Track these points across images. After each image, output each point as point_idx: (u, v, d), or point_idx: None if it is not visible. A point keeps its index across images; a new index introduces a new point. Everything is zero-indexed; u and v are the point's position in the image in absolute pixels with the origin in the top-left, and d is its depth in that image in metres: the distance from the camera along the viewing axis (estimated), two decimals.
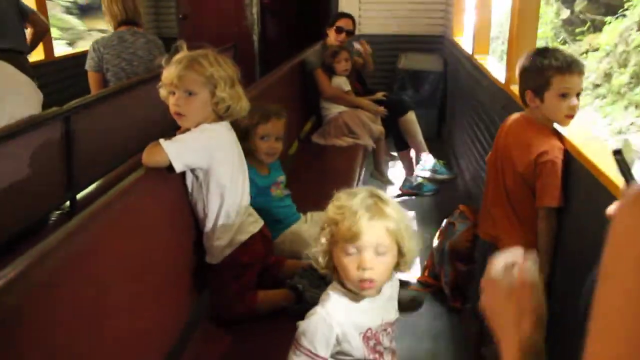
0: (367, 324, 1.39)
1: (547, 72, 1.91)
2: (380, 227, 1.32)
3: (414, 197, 4.32)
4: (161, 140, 1.72)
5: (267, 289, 1.97)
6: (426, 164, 4.32)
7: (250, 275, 1.90)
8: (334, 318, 1.35)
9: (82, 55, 3.61)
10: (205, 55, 1.79)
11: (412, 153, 4.46)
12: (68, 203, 2.60)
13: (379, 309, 1.42)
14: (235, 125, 1.98)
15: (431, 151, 4.50)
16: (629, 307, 0.53)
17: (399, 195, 4.34)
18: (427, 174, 4.30)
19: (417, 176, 4.35)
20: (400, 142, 4.40)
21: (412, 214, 4.06)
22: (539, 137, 1.97)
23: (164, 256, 1.69)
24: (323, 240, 1.37)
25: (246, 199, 1.95)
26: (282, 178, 2.33)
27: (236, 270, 1.87)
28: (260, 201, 2.13)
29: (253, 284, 1.91)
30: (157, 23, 6.10)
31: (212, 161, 1.77)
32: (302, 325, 1.37)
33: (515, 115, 2.15)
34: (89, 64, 3.41)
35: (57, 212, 2.54)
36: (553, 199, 1.91)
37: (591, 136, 2.02)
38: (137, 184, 1.63)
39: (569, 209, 1.91)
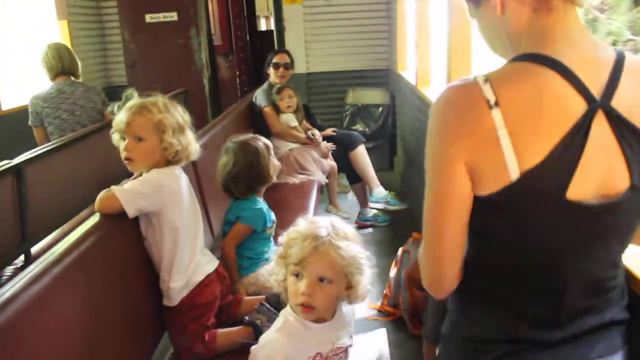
0: (315, 349, 1.45)
1: None
2: (327, 257, 1.39)
3: (370, 229, 4.41)
4: (113, 187, 1.76)
5: (226, 327, 1.99)
6: (378, 196, 4.41)
7: (208, 315, 1.93)
8: (282, 342, 1.41)
9: None
10: (155, 102, 1.85)
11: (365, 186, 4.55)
12: (22, 257, 2.59)
13: (330, 335, 1.48)
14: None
15: (385, 182, 4.60)
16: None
17: (356, 228, 4.40)
18: (380, 206, 4.39)
19: (371, 208, 4.43)
20: (352, 176, 4.50)
21: (368, 244, 4.14)
22: None
23: (122, 301, 1.71)
24: (278, 259, 1.45)
25: (201, 240, 1.99)
26: (274, 218, 2.41)
27: (194, 311, 1.90)
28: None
29: (211, 323, 1.94)
30: (106, 72, 6.11)
31: (163, 205, 1.81)
32: (254, 350, 1.45)
33: None
34: (30, 120, 3.41)
35: (11, 267, 2.52)
36: None
37: None
38: (92, 230, 1.65)
39: None
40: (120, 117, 1.82)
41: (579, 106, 0.92)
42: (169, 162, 1.87)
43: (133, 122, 1.80)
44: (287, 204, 3.40)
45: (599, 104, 0.93)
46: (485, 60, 3.24)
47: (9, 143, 4.01)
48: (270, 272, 1.53)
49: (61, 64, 3.47)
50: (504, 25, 1.03)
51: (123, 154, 1.83)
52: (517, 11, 1.00)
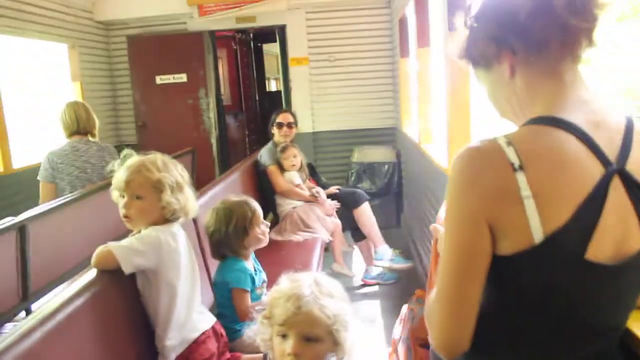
0: None
1: None
2: (312, 316, 1.38)
3: (376, 287, 4.37)
4: (110, 243, 1.78)
5: None
6: (382, 253, 4.39)
7: None
8: None
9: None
10: (154, 160, 1.88)
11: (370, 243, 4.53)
12: (24, 313, 2.59)
13: None
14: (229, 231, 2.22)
15: (391, 240, 4.59)
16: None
17: (362, 286, 4.38)
18: (385, 264, 4.37)
19: (375, 266, 4.41)
20: (357, 233, 4.49)
21: (377, 303, 4.10)
22: None
23: (117, 357, 1.70)
24: (262, 320, 1.44)
25: (198, 298, 1.98)
26: (264, 276, 2.40)
27: None
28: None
29: None
30: (117, 131, 6.25)
31: (160, 262, 1.82)
32: None
33: None
34: (42, 175, 3.46)
35: (12, 323, 2.52)
36: None
37: None
38: (88, 286, 1.66)
39: None
40: (119, 175, 1.85)
41: (597, 169, 0.95)
42: (167, 220, 1.89)
43: (132, 181, 1.82)
44: (290, 262, 3.38)
45: (616, 169, 0.96)
46: (484, 118, 3.30)
47: (18, 200, 4.08)
48: (255, 332, 1.50)
49: (77, 123, 3.55)
50: (514, 89, 1.06)
51: (122, 212, 1.85)
52: (527, 75, 1.04)
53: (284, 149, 4.23)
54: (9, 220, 2.50)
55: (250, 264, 2.34)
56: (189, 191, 1.95)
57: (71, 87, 5.52)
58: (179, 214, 1.90)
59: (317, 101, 6.13)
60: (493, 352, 1.05)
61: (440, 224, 2.20)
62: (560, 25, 0.99)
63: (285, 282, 1.46)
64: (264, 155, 4.33)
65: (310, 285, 1.43)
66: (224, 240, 2.28)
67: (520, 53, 1.04)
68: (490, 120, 3.20)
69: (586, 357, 1.03)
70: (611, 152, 0.97)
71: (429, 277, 2.32)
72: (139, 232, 1.87)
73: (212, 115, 6.13)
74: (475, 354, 1.03)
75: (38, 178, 3.49)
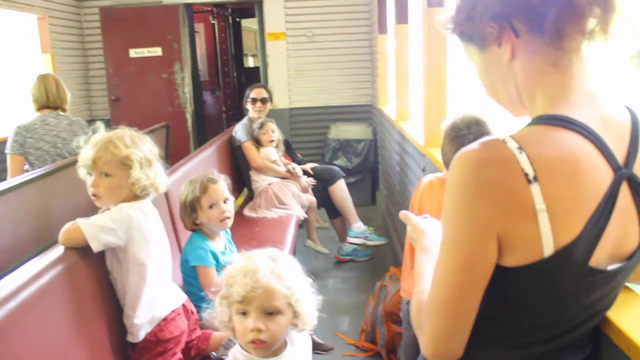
0: None
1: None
2: (269, 290, 1.37)
3: (350, 264, 4.38)
4: (78, 220, 1.74)
5: None
6: (357, 230, 4.39)
7: (174, 350, 1.88)
8: None
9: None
10: (121, 136, 1.83)
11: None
12: None
13: None
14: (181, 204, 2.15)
15: (366, 217, 4.60)
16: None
17: (335, 263, 4.39)
18: (359, 241, 4.38)
19: (350, 243, 4.42)
20: (331, 210, 4.49)
21: (347, 279, 4.11)
22: None
23: (85, 336, 1.66)
24: (220, 300, 1.43)
25: (168, 275, 1.96)
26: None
27: (158, 347, 1.85)
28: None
29: (177, 359, 1.89)
30: (89, 105, 6.12)
31: (129, 240, 1.78)
32: None
33: (428, 178, 2.24)
34: (10, 147, 3.37)
35: None
36: None
37: None
38: (55, 263, 1.62)
39: None
40: (85, 152, 1.79)
41: (607, 175, 0.91)
42: (137, 197, 1.85)
43: (99, 159, 1.77)
44: (264, 238, 3.36)
45: (625, 173, 0.93)
46: (460, 96, 3.29)
47: None
48: (212, 315, 1.48)
49: (46, 97, 3.46)
50: (513, 74, 0.99)
51: (90, 190, 1.80)
52: (530, 61, 0.96)
53: (262, 125, 4.19)
54: None
55: (221, 242, 2.32)
56: (158, 166, 1.90)
57: (41, 59, 5.37)
58: (149, 189, 1.86)
59: (295, 77, 6.08)
60: (486, 355, 1.04)
61: (413, 212, 2.21)
62: (573, 8, 0.91)
63: (239, 260, 1.44)
64: (238, 131, 4.28)
65: (265, 259, 1.41)
66: (181, 210, 2.28)
67: (524, 36, 0.95)
68: (467, 98, 3.21)
69: (569, 341, 1.03)
70: (620, 153, 0.93)
71: (404, 264, 2.34)
72: (108, 209, 1.83)
73: (187, 90, 6.04)
74: (467, 358, 0.99)
75: (6, 151, 3.40)
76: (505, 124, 1.94)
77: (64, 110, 3.54)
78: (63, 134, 3.46)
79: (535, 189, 0.87)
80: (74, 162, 2.86)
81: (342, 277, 4.17)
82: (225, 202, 2.28)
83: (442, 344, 0.95)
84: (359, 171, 5.72)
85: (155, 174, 1.86)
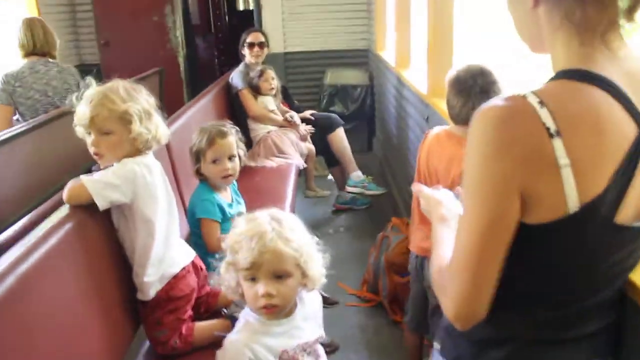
0: (281, 346, 1.41)
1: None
2: (277, 253, 1.33)
3: (348, 213, 4.37)
4: (82, 177, 1.68)
5: (204, 319, 1.94)
6: (355, 180, 4.35)
7: (185, 308, 1.86)
8: (246, 344, 1.37)
9: None
10: (116, 89, 1.73)
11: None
12: None
13: (294, 330, 1.44)
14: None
15: (363, 164, 4.55)
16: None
17: (334, 212, 4.38)
18: (357, 190, 4.35)
19: (348, 192, 4.39)
20: (330, 159, 4.45)
21: (347, 228, 4.11)
22: (462, 151, 2.02)
23: (95, 296, 1.64)
24: (227, 266, 1.40)
25: (176, 232, 1.91)
26: (243, 208, 2.32)
27: (170, 305, 1.83)
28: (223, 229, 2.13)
29: (188, 316, 1.88)
30: (77, 50, 5.94)
31: (136, 197, 1.72)
32: (218, 354, 1.41)
33: (435, 130, 2.19)
34: None
35: None
36: None
37: None
38: (63, 222, 1.58)
39: None
40: (81, 110, 1.70)
41: (632, 131, 0.89)
42: (139, 151, 1.78)
43: (96, 116, 1.68)
44: (265, 188, 3.34)
45: None
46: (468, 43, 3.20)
47: None
48: (218, 280, 1.44)
49: (33, 43, 3.33)
50: (536, 19, 0.97)
51: (91, 150, 1.73)
52: (552, 11, 0.94)
53: (261, 73, 4.08)
54: None
55: (227, 194, 2.28)
56: (157, 117, 1.81)
57: (24, 0, 5.16)
58: (152, 143, 1.78)
59: (289, 20, 5.89)
60: (509, 316, 1.02)
61: (420, 164, 2.17)
62: None
63: (242, 223, 1.40)
64: (235, 77, 4.17)
65: (269, 222, 1.37)
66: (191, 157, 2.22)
67: None
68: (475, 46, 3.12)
69: (593, 305, 1.02)
70: None
71: (412, 218, 2.31)
72: (111, 165, 1.77)
73: (178, 34, 5.87)
74: (491, 320, 0.98)
75: None
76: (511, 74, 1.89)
77: (52, 56, 3.42)
78: (53, 82, 3.35)
79: (557, 143, 0.86)
80: (68, 112, 2.80)
81: (341, 226, 4.17)
82: (230, 158, 2.20)
83: (466, 306, 0.94)
84: (355, 118, 5.64)
85: (155, 126, 1.79)
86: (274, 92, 4.11)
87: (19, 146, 2.75)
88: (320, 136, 4.29)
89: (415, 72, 3.79)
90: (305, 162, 4.04)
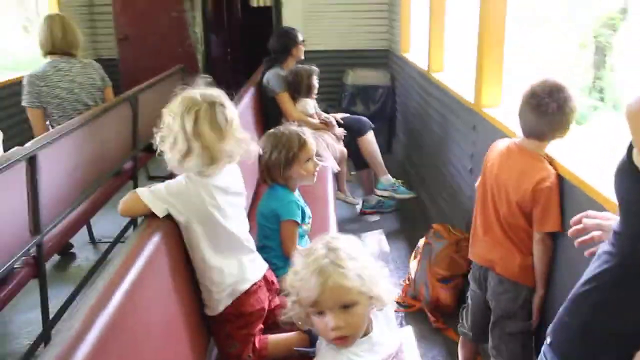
0: None
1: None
2: (338, 287, 1.28)
3: (376, 216, 4.33)
4: (137, 189, 1.68)
5: (273, 331, 1.89)
6: (385, 183, 4.30)
7: (256, 323, 1.82)
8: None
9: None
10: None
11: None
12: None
13: (376, 347, 1.38)
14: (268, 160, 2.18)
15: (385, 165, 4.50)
16: None
17: (360, 215, 4.34)
18: (387, 194, 4.30)
19: (378, 196, 4.34)
20: (359, 162, 4.40)
21: (382, 234, 4.07)
22: (534, 165, 1.99)
23: (177, 306, 1.60)
24: (293, 305, 1.36)
25: (247, 245, 1.85)
26: (310, 212, 2.32)
27: (239, 321, 1.78)
28: None
29: (259, 331, 1.83)
30: (94, 44, 5.85)
31: (190, 217, 1.69)
32: None
33: (504, 143, 2.15)
34: (26, 100, 3.19)
35: (23, 256, 2.37)
36: (555, 224, 1.94)
37: (581, 159, 2.06)
38: (151, 234, 1.57)
39: (564, 231, 1.95)
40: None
41: None
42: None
43: None
44: (305, 192, 3.28)
45: None
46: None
47: None
48: (289, 315, 1.39)
49: (51, 42, 3.25)
50: None
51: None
52: None
53: (311, 73, 4.04)
54: (17, 151, 2.30)
55: (299, 196, 2.27)
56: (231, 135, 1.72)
57: None
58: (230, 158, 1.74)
59: (310, 18, 5.83)
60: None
61: (485, 173, 2.14)
62: None
63: (299, 259, 1.35)
64: (272, 80, 4.09)
65: (326, 254, 1.31)
66: (270, 165, 2.22)
67: None
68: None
69: None
70: None
71: (473, 229, 2.26)
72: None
73: (198, 30, 5.81)
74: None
75: (23, 104, 3.22)
76: None
77: (74, 56, 3.33)
78: (79, 79, 3.28)
79: None
80: (105, 109, 2.73)
81: (370, 229, 4.13)
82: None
83: None
84: (376, 118, 5.58)
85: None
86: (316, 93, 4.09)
87: (63, 146, 2.70)
88: (350, 139, 4.24)
89: (453, 76, 3.74)
90: (338, 164, 4.00)
